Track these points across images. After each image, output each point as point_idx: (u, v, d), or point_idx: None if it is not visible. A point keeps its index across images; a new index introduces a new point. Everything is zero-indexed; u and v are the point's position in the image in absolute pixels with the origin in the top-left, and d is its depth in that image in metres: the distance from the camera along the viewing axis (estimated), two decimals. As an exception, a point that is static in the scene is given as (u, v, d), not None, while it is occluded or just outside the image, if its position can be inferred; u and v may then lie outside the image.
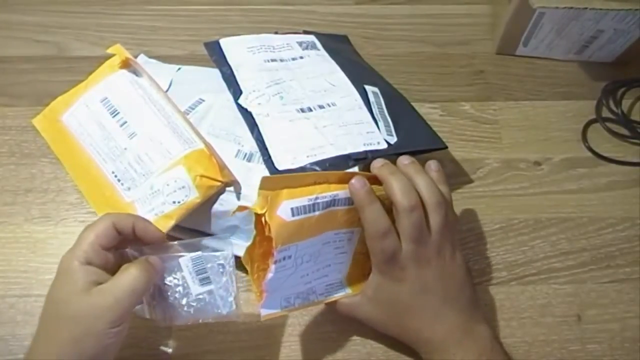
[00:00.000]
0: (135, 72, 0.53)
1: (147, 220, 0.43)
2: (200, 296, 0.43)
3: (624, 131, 0.62)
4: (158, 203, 0.48)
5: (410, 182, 0.43)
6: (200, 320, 0.44)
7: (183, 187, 0.47)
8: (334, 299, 0.47)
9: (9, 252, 0.53)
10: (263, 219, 0.41)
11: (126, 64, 0.53)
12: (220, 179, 0.48)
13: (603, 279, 0.53)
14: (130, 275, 0.38)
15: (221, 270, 0.43)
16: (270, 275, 0.42)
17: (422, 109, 0.61)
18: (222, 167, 0.49)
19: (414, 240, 0.43)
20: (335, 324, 0.50)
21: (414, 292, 0.44)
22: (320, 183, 0.43)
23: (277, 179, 0.43)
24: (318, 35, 0.64)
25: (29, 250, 0.53)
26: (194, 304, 0.43)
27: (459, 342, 0.43)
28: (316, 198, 0.42)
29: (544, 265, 0.54)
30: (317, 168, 0.49)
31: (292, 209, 0.41)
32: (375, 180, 0.44)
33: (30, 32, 0.67)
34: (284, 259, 0.42)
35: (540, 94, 0.65)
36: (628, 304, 0.52)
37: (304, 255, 0.44)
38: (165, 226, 0.47)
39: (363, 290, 0.46)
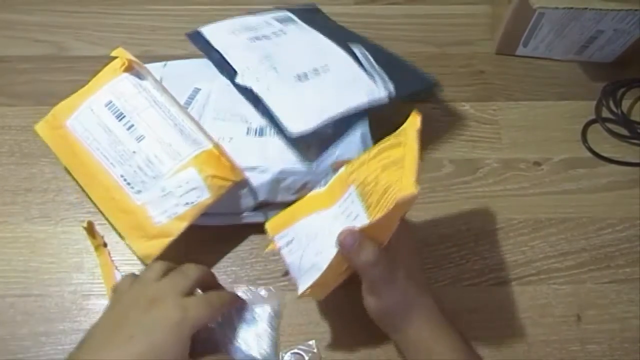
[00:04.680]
0: (139, 75, 0.53)
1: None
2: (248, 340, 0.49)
3: (623, 131, 0.62)
4: (171, 205, 0.48)
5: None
6: None
7: (195, 188, 0.48)
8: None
9: (9, 252, 0.53)
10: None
11: (129, 67, 0.53)
12: (232, 178, 0.49)
13: (603, 279, 0.53)
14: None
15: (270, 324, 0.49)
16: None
17: (423, 109, 0.61)
18: (233, 167, 0.49)
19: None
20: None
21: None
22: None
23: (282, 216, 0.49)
24: (291, 9, 0.65)
25: (29, 250, 0.53)
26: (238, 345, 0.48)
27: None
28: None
29: (544, 265, 0.54)
30: (330, 125, 0.51)
31: None
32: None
33: (30, 32, 0.67)
34: (287, 244, 0.46)
35: (540, 94, 0.65)
36: (627, 305, 0.52)
37: (307, 234, 0.46)
38: (179, 228, 0.48)
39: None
